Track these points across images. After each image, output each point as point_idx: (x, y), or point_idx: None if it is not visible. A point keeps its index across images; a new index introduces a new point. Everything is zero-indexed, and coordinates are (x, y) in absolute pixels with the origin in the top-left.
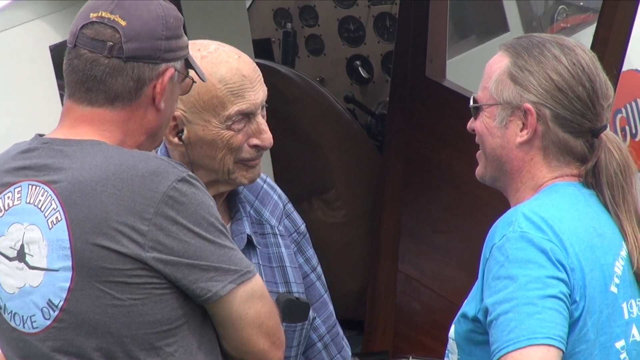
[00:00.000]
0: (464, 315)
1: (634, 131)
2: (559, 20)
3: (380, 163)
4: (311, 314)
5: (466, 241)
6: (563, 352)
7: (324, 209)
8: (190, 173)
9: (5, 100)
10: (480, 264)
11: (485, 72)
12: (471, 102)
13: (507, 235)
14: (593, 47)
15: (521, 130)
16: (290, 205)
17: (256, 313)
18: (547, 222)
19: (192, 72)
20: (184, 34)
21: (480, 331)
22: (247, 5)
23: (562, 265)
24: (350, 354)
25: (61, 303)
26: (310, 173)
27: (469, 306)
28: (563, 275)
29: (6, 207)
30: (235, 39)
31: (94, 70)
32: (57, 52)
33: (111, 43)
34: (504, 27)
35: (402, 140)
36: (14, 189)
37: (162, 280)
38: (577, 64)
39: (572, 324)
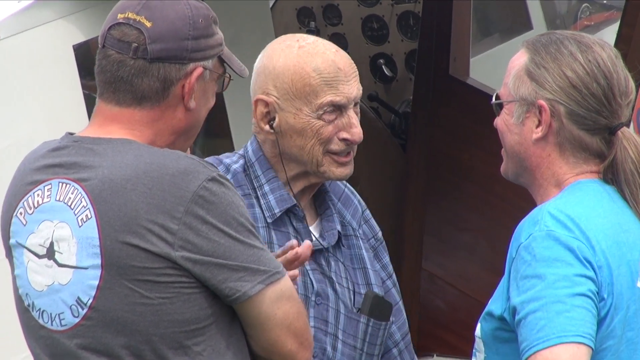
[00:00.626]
0: (490, 314)
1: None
2: (583, 18)
3: (403, 161)
4: (392, 318)
5: (490, 240)
6: (592, 350)
7: None
8: (221, 173)
9: (29, 99)
10: (507, 263)
11: (508, 68)
12: (493, 99)
13: (533, 234)
14: (616, 45)
15: (537, 127)
16: (368, 212)
17: (285, 314)
18: (574, 220)
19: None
20: (217, 32)
21: (506, 329)
22: (271, 5)
23: (590, 263)
24: None
25: (90, 301)
26: None
27: (494, 305)
28: (591, 273)
29: (36, 205)
30: (258, 39)
31: (120, 71)
32: (81, 52)
33: (136, 44)
34: (527, 26)
35: (426, 139)
36: (44, 186)
37: (191, 280)
38: (593, 61)
39: (600, 321)
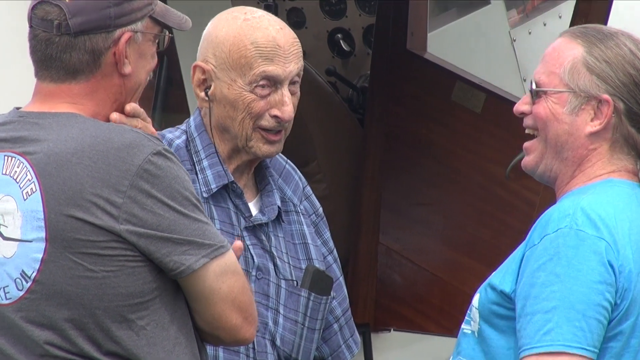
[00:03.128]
0: (493, 287)
1: None
2: None
3: (361, 136)
4: (332, 293)
5: (446, 214)
6: None
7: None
8: (167, 147)
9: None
10: (526, 246)
11: (551, 56)
12: (533, 86)
13: (562, 228)
14: (574, 19)
15: (592, 120)
16: (309, 188)
17: (229, 288)
18: (604, 220)
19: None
20: None
21: (506, 306)
22: None
23: (612, 267)
24: (360, 339)
25: (34, 274)
26: (291, 146)
27: (502, 280)
28: (611, 279)
29: None
30: (216, 12)
31: (49, 49)
32: None
33: (58, 21)
34: (484, 0)
35: (383, 113)
36: None
37: (135, 253)
38: None
39: (608, 324)
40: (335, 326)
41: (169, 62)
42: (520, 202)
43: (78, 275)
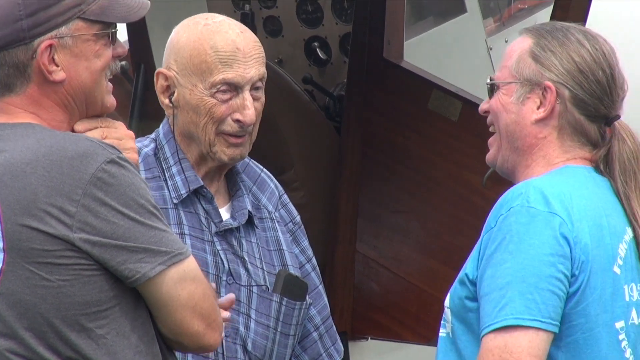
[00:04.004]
0: (462, 281)
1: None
2: (517, 2)
3: (338, 144)
4: (308, 299)
5: (423, 222)
6: (555, 334)
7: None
8: (121, 155)
9: None
10: (484, 231)
11: (506, 53)
12: (487, 81)
13: (514, 207)
14: None
15: (538, 108)
16: (285, 197)
17: (189, 294)
18: (557, 195)
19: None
20: None
21: (475, 297)
22: None
23: (566, 238)
24: (342, 347)
25: None
26: (268, 154)
27: (469, 268)
28: (565, 251)
29: None
30: None
31: None
32: None
33: None
34: (461, 9)
35: (360, 122)
36: None
37: (90, 262)
38: (599, 50)
39: (569, 296)
40: (315, 334)
41: (145, 68)
42: None
43: (35, 284)
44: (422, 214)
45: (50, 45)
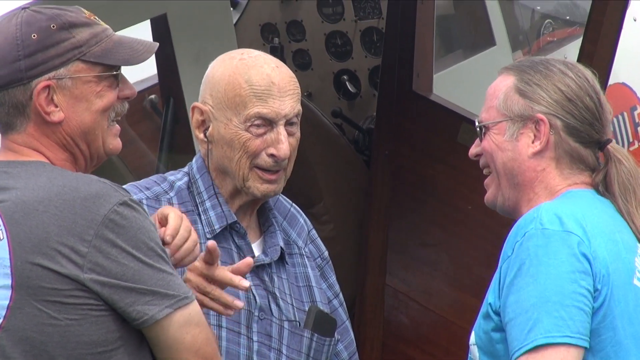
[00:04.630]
0: (485, 314)
1: (623, 144)
2: (545, 34)
3: (367, 177)
4: (336, 335)
5: (453, 255)
6: (585, 348)
7: (312, 223)
8: (132, 198)
9: None
10: (501, 260)
11: (489, 94)
12: (476, 124)
13: (528, 232)
14: (579, 61)
15: (533, 142)
16: (314, 232)
17: (193, 338)
18: (570, 215)
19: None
20: (68, 37)
21: (500, 328)
22: (234, 21)
23: (585, 255)
24: None
25: (1, 321)
26: (297, 187)
27: (492, 299)
28: (585, 266)
29: None
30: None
31: None
32: None
33: None
34: (490, 42)
35: (389, 155)
36: None
37: (99, 302)
38: (582, 77)
39: (595, 311)
40: None
41: (175, 102)
42: None
43: (42, 322)
44: (451, 247)
45: (48, 86)
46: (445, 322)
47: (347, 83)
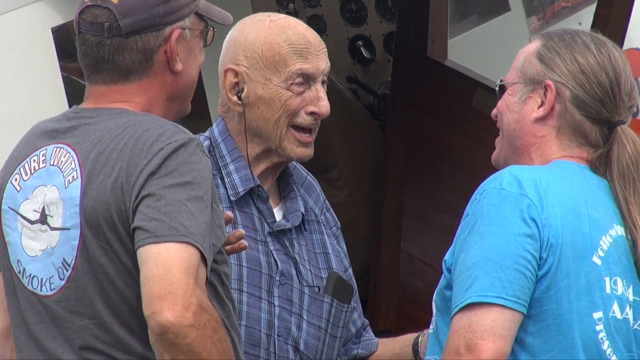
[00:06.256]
0: (445, 268)
1: (634, 110)
2: (560, 0)
3: (382, 143)
4: (352, 303)
5: None
6: (524, 314)
7: (327, 188)
8: (199, 141)
9: (8, 82)
10: (462, 218)
11: (517, 56)
12: (497, 83)
13: (487, 190)
14: (593, 26)
15: (539, 107)
16: (327, 202)
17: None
18: (532, 180)
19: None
20: None
21: (451, 285)
22: None
23: (534, 220)
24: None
25: (73, 261)
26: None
27: (447, 257)
28: (533, 231)
29: (32, 171)
30: (236, 21)
31: (100, 52)
32: (60, 34)
33: (108, 23)
34: (505, 7)
35: (404, 120)
36: (40, 152)
37: None
38: (605, 54)
39: (539, 279)
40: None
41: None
42: None
43: (109, 261)
44: None
45: (180, 34)
46: None
47: (361, 48)
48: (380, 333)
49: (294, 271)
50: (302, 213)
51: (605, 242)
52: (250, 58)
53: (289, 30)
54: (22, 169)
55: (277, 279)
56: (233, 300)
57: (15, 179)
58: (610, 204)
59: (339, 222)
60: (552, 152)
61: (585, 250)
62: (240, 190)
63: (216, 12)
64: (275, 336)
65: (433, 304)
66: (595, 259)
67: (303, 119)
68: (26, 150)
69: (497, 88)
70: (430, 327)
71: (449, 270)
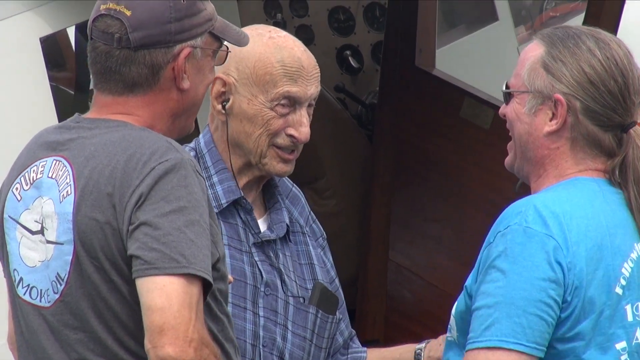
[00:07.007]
0: (464, 293)
1: None
2: (548, 10)
3: (370, 152)
4: (338, 314)
5: (456, 230)
6: (539, 359)
7: (315, 198)
8: (192, 160)
9: None
10: (483, 245)
11: (520, 59)
12: (503, 88)
13: (511, 226)
14: None
15: (550, 120)
16: (313, 214)
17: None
18: (557, 216)
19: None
20: (204, 8)
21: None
22: None
23: (560, 264)
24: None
25: (66, 276)
26: (300, 162)
27: (469, 281)
28: (557, 276)
29: (31, 181)
30: None
31: (108, 62)
32: (48, 44)
33: (118, 35)
34: (493, 17)
35: (392, 130)
36: (40, 163)
37: None
38: (611, 58)
39: (561, 322)
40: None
41: None
42: None
43: (100, 278)
44: (454, 222)
45: (189, 53)
46: (448, 297)
47: (349, 58)
48: (368, 343)
49: (278, 282)
50: (286, 224)
51: (627, 268)
52: (241, 71)
53: (284, 52)
54: (22, 179)
55: (262, 289)
56: (228, 314)
57: (16, 188)
58: (629, 220)
59: (324, 234)
60: (567, 166)
61: (608, 283)
62: (223, 202)
63: (233, 32)
64: (261, 347)
65: (452, 317)
66: (618, 290)
67: (283, 139)
68: (27, 159)
69: (502, 92)
70: (448, 335)
71: (470, 296)
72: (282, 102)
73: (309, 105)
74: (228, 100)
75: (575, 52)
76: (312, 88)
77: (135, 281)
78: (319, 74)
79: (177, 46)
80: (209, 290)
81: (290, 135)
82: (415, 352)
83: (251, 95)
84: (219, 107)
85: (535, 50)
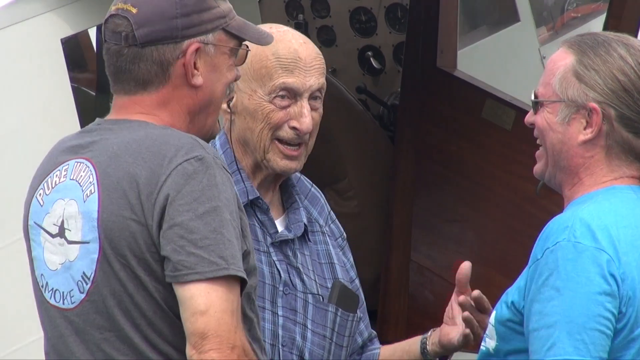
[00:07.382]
0: (508, 304)
1: None
2: (569, 10)
3: (392, 153)
4: (359, 313)
5: (478, 231)
6: None
7: (336, 199)
8: (217, 156)
9: (17, 93)
10: (530, 260)
11: (548, 67)
12: (532, 97)
13: (560, 242)
14: None
15: (585, 129)
16: (333, 213)
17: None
18: (605, 229)
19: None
20: (216, 5)
21: (521, 323)
22: None
23: (613, 276)
24: None
25: (92, 275)
26: (322, 163)
27: (514, 295)
28: (612, 289)
29: (53, 185)
30: None
31: (119, 61)
32: (69, 45)
33: (125, 33)
34: (514, 18)
35: (414, 131)
36: (62, 167)
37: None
38: None
39: (617, 332)
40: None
41: None
42: (550, 218)
43: (127, 275)
44: (476, 223)
45: (198, 49)
46: None
47: (371, 59)
48: (390, 343)
49: (297, 281)
50: (304, 224)
51: None
52: (241, 68)
53: (280, 44)
54: (45, 184)
55: (281, 289)
56: (257, 313)
57: (40, 194)
58: None
59: (344, 233)
60: (603, 174)
61: None
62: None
63: (252, 31)
64: (280, 346)
65: (491, 327)
66: None
67: (286, 132)
68: (49, 166)
69: (532, 101)
70: (483, 343)
71: (519, 312)
72: (280, 93)
73: (314, 98)
74: (232, 98)
75: (607, 60)
76: (311, 79)
77: (173, 285)
78: (322, 66)
79: (185, 42)
80: (245, 287)
81: (293, 128)
82: (421, 340)
83: (251, 91)
84: (224, 106)
85: (564, 58)
